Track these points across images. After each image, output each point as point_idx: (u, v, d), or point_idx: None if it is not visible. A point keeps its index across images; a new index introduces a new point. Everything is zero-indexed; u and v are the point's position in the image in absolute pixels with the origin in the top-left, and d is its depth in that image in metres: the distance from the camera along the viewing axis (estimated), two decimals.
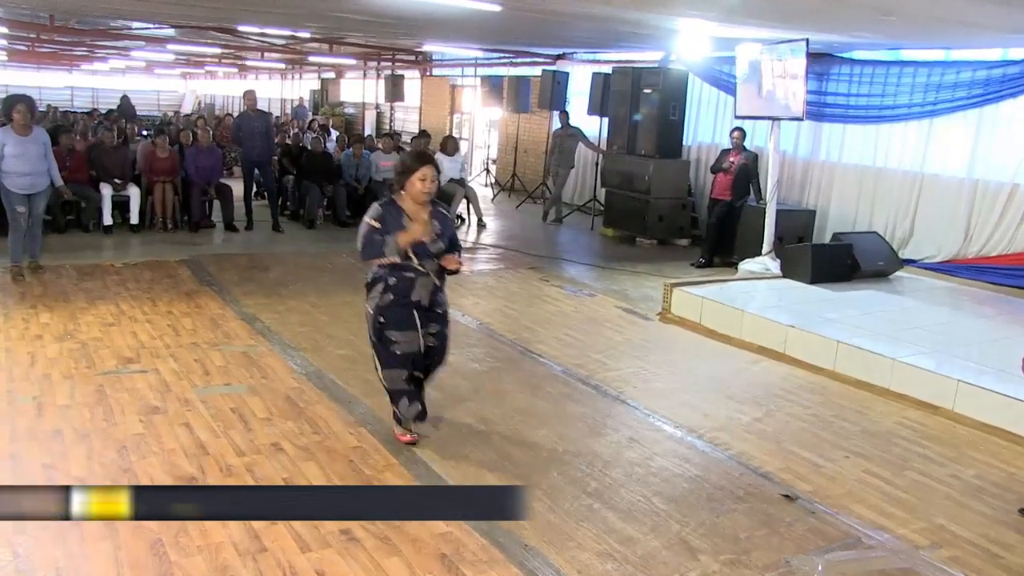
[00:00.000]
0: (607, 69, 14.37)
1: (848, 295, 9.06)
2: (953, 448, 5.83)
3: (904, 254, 10.88)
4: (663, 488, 4.94)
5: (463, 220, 14.02)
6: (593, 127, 14.94)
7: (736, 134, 11.48)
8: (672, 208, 12.98)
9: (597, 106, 14.40)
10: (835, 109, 11.90)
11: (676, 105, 12.98)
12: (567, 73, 15.96)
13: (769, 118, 10.42)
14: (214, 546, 4.00)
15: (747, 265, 10.16)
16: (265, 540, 4.07)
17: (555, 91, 15.53)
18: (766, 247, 10.25)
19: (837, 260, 9.66)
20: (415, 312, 4.99)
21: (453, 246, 5.09)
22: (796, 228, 11.22)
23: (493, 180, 19.13)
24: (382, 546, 4.09)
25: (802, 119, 10.29)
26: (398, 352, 5.02)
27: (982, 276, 10.30)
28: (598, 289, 9.91)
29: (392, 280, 4.94)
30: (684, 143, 13.57)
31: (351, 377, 6.41)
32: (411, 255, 4.88)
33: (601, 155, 14.31)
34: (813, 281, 9.29)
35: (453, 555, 4.07)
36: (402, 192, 4.90)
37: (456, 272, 5.05)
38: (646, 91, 12.98)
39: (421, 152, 5.03)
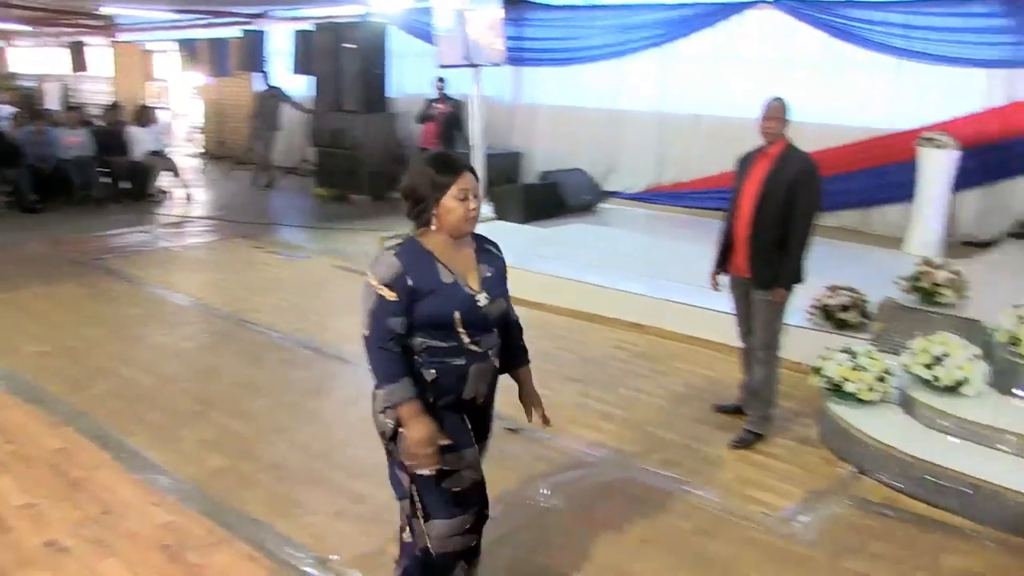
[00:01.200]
0: (310, 26, 13.97)
1: (559, 230, 9.44)
2: (661, 362, 6.28)
3: (607, 187, 11.50)
4: None
5: (165, 194, 13.21)
6: (301, 86, 14.52)
7: (439, 84, 11.57)
8: (384, 162, 12.92)
9: (302, 65, 14.01)
10: (534, 53, 12.28)
11: (378, 58, 12.89)
12: (263, 32, 15.35)
13: (471, 65, 10.55)
14: None
15: None
16: None
17: (255, 52, 14.93)
18: None
19: (546, 198, 10.03)
20: (466, 419, 3.09)
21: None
22: (505, 170, 11.53)
23: (200, 149, 18.18)
24: (95, 550, 3.81)
25: (502, 64, 10.53)
26: (456, 490, 3.04)
27: (677, 201, 11.11)
28: (314, 251, 9.72)
29: (432, 373, 2.95)
30: (390, 96, 13.54)
31: (51, 375, 5.87)
32: (459, 328, 2.93)
33: (307, 114, 13.95)
34: (525, 220, 9.60)
35: (177, 544, 3.86)
36: (429, 227, 2.94)
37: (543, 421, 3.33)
38: (347, 46, 12.76)
39: (446, 156, 3.04)
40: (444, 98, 11.57)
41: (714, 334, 6.54)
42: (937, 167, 8.73)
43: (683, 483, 4.51)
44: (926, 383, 4.93)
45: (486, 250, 3.12)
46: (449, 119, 11.52)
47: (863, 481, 4.63)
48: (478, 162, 10.39)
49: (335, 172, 13.18)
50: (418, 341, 2.91)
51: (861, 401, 4.98)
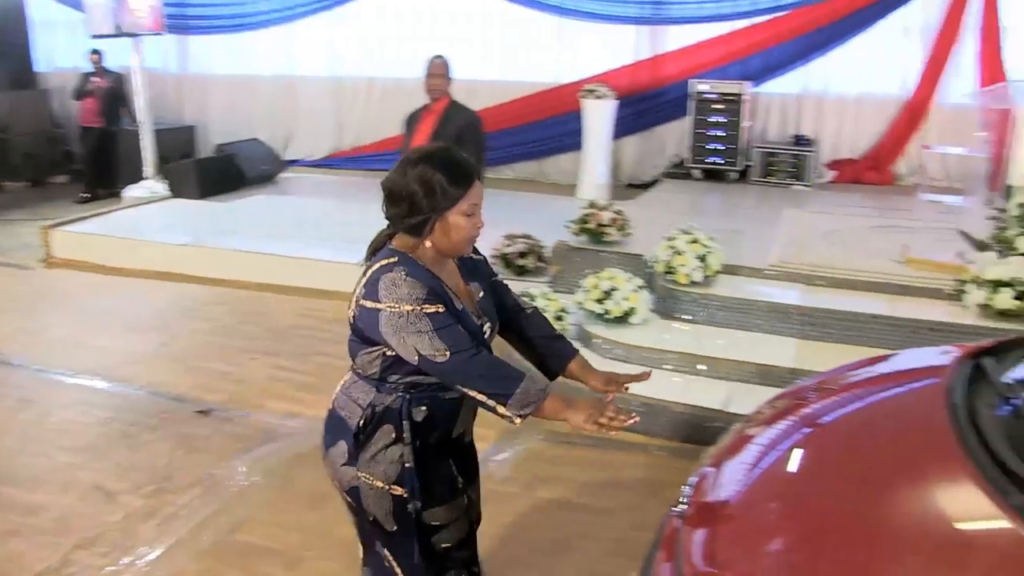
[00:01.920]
0: None
1: (239, 203, 9.14)
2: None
3: (287, 155, 11.29)
4: (69, 441, 4.56)
5: None
6: None
7: (94, 56, 10.70)
8: (38, 143, 11.77)
9: None
10: (199, 21, 11.71)
11: (19, 28, 11.70)
12: None
13: (127, 35, 9.85)
14: None
15: (132, 191, 9.67)
16: None
17: None
18: (149, 170, 9.84)
19: (223, 171, 9.66)
20: (452, 463, 2.55)
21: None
22: (178, 146, 10.94)
23: None
24: None
25: (162, 33, 9.96)
26: (446, 545, 2.52)
27: (359, 165, 11.15)
28: None
29: (422, 411, 2.40)
30: (39, 71, 12.37)
31: None
32: None
33: None
34: (202, 196, 9.20)
35: None
36: (422, 240, 2.38)
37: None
38: None
39: (456, 159, 2.36)
40: (103, 71, 10.70)
41: None
42: (599, 116, 9.36)
43: None
44: (599, 316, 5.30)
45: (472, 260, 2.55)
46: (110, 94, 10.67)
47: None
48: (147, 138, 9.79)
49: None
50: (399, 376, 2.35)
51: None
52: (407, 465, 2.38)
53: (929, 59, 9.19)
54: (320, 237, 7.69)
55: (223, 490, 4.07)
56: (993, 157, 6.14)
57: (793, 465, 2.48)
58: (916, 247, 5.96)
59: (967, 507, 2.00)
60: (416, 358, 2.23)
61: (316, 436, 4.43)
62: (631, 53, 10.11)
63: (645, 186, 9.86)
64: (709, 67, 9.80)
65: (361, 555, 2.64)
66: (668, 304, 5.54)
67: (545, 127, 10.38)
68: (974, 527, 1.98)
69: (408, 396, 2.37)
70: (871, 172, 9.47)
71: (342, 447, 2.44)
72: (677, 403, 4.65)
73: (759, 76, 9.69)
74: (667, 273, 5.54)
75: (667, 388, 4.77)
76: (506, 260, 6.47)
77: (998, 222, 5.51)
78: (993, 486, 1.97)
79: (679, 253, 5.49)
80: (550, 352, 2.63)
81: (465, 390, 2.27)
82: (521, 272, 6.46)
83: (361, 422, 2.39)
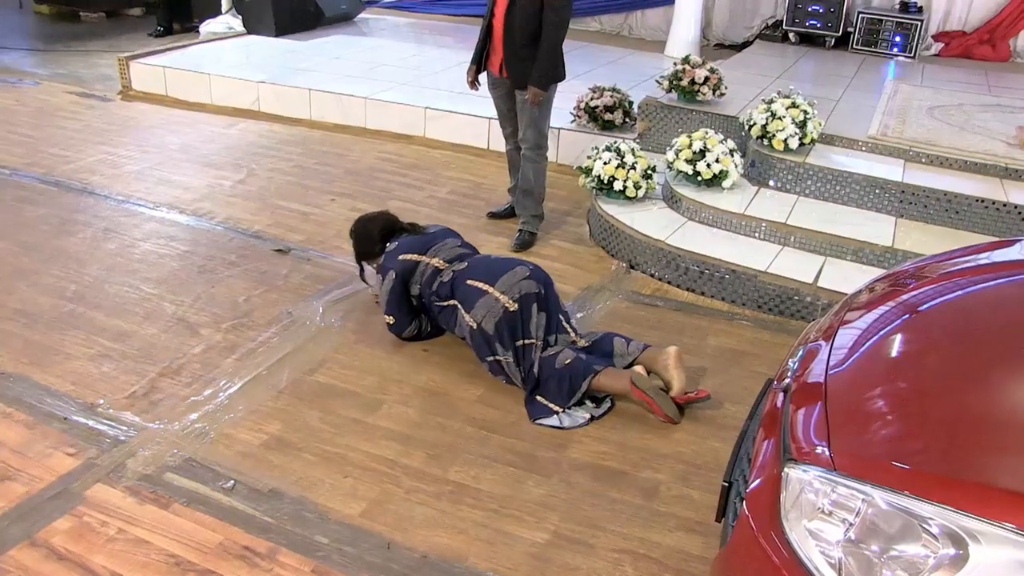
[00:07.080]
0: None
1: (316, 43, 8.91)
2: (429, 171, 6.16)
3: None
4: (151, 272, 4.56)
5: None
6: None
7: None
8: None
9: None
10: None
11: None
12: None
13: None
14: None
15: (209, 27, 9.46)
16: None
17: None
18: (225, 5, 9.60)
19: (300, 9, 9.37)
20: None
21: None
22: None
23: None
24: None
25: None
26: None
27: (437, 9, 10.76)
28: (43, 76, 8.57)
29: None
30: None
31: None
32: None
33: None
34: (279, 34, 8.97)
35: None
36: None
37: None
38: None
39: None
40: None
41: (480, 140, 6.52)
42: None
43: None
44: (688, 178, 5.08)
45: None
46: None
47: (633, 275, 4.78)
48: None
49: None
50: None
51: (628, 198, 5.09)
52: None
53: None
54: (397, 80, 7.48)
55: (301, 329, 4.05)
56: None
57: (912, 348, 2.32)
58: None
59: None
60: None
61: None
62: None
63: (736, 47, 9.38)
64: None
65: None
66: (760, 170, 5.29)
67: None
68: None
69: None
70: (984, 47, 8.81)
71: None
72: (764, 273, 4.48)
73: None
74: (762, 138, 5.27)
75: (755, 257, 4.59)
76: (592, 114, 6.22)
77: None
78: None
79: (777, 117, 5.20)
80: None
81: None
82: (607, 127, 6.22)
83: None
